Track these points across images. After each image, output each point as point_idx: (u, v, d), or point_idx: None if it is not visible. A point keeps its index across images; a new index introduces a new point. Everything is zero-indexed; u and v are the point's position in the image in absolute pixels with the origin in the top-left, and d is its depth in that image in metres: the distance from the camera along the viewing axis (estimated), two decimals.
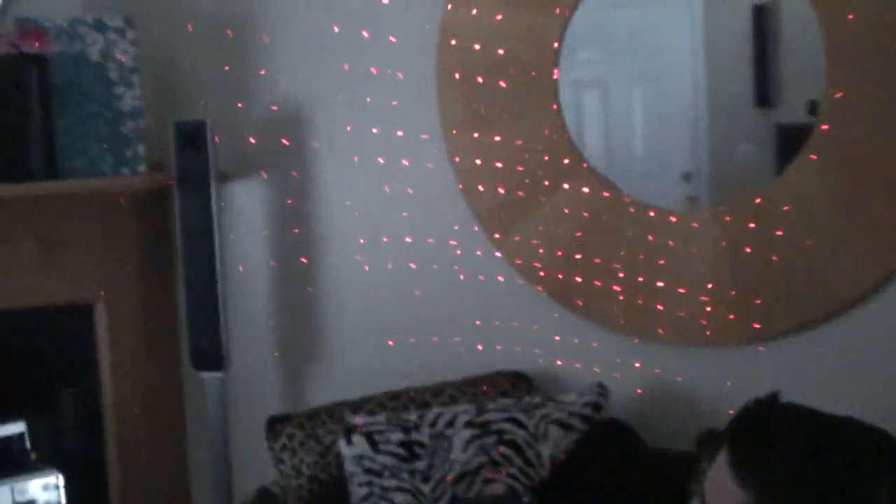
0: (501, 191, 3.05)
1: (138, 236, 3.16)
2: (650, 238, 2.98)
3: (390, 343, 3.20)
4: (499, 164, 3.04)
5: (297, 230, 3.23)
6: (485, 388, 3.02)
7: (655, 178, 3.13)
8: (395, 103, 3.12)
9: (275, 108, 3.20)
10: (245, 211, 3.25)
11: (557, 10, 2.98)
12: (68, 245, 3.05)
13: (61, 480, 2.86)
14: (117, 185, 3.06)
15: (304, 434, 2.94)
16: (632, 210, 3.01)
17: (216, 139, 3.03)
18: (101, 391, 3.14)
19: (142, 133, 3.09)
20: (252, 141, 3.22)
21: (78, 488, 3.08)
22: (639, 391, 3.03)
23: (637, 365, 3.05)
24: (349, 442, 2.82)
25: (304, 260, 3.25)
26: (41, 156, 2.96)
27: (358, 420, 2.87)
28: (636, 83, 3.13)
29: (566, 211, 3.03)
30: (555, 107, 3.00)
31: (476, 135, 3.05)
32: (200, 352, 3.09)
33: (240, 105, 3.20)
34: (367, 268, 3.20)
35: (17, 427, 2.89)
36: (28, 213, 3.00)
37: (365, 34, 3.11)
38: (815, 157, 2.87)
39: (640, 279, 3.00)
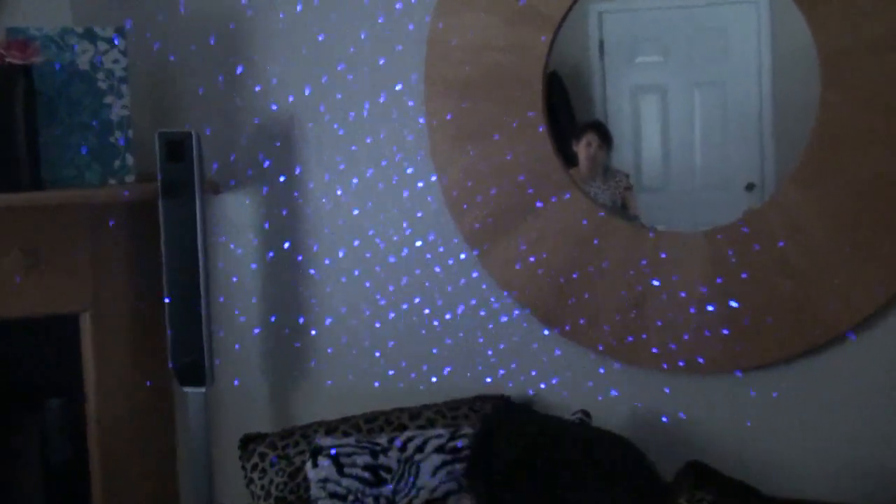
0: (487, 207, 3.04)
1: (126, 247, 3.20)
2: (643, 258, 2.95)
3: (378, 363, 3.21)
4: (485, 179, 3.03)
5: (286, 244, 3.25)
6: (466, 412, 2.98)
7: (716, 189, 3.06)
8: (384, 116, 3.13)
9: (266, 119, 3.22)
10: (235, 223, 3.28)
11: (547, 22, 2.94)
12: (54, 255, 3.10)
13: None
14: (104, 196, 3.10)
15: (276, 454, 2.95)
16: (623, 228, 2.97)
17: (205, 150, 3.06)
18: (86, 402, 3.17)
19: (130, 143, 3.13)
20: (243, 152, 3.25)
21: (61, 498, 3.18)
22: (623, 418, 2.99)
23: (623, 391, 3.02)
24: (315, 464, 2.83)
25: (293, 280, 3.26)
26: (27, 166, 3.00)
27: (325, 441, 2.87)
28: (697, 87, 3.07)
29: (554, 228, 3.00)
30: (543, 120, 2.97)
31: (462, 148, 3.04)
32: (183, 366, 3.10)
33: (231, 116, 3.23)
34: (355, 285, 3.21)
35: None
36: (14, 224, 3.05)
37: (354, 47, 3.12)
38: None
39: (631, 302, 2.95)
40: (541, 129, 2.98)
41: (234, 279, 3.29)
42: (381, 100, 3.12)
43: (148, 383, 3.26)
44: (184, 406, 3.23)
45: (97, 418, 3.19)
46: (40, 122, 3.06)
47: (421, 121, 3.09)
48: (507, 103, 2.99)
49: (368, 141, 3.15)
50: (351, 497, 2.79)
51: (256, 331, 3.31)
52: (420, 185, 3.12)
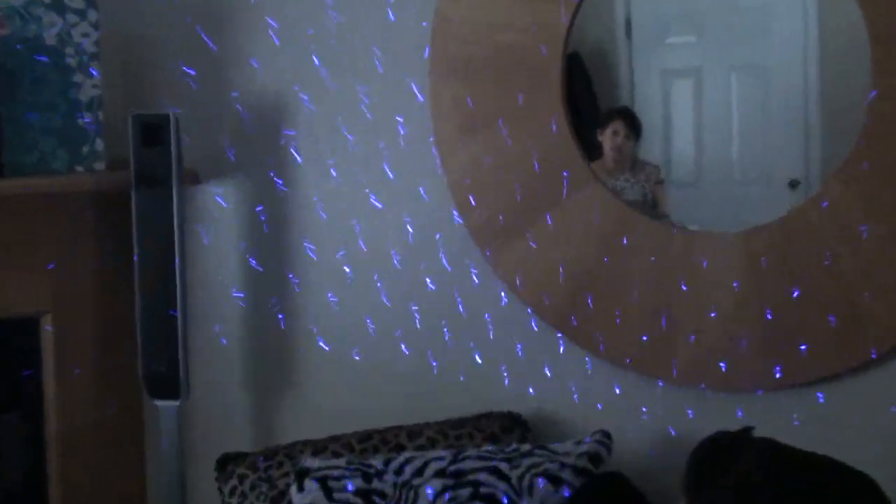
0: (498, 203, 2.87)
1: (94, 243, 3.06)
2: (672, 262, 2.77)
3: (373, 376, 3.04)
4: (495, 172, 2.86)
5: (273, 240, 3.10)
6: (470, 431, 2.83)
7: (755, 185, 2.89)
8: (382, 103, 2.97)
9: (252, 102, 3.07)
10: (215, 216, 3.12)
11: None
12: (13, 251, 2.96)
13: None
14: (71, 185, 2.97)
15: (257, 476, 2.77)
16: (651, 228, 2.80)
17: (185, 135, 2.89)
18: (45, 417, 3.02)
19: (101, 127, 2.97)
20: (227, 139, 3.09)
21: None
22: (647, 439, 2.82)
23: (648, 409, 2.85)
24: (300, 488, 2.63)
25: (281, 282, 3.11)
26: None
27: (313, 463, 2.69)
28: (735, 71, 2.89)
29: (572, 227, 2.82)
30: (561, 106, 2.79)
31: (472, 138, 2.88)
32: (155, 377, 2.94)
33: (214, 98, 3.07)
34: (349, 287, 3.05)
35: None
36: None
37: (349, 23, 2.97)
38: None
39: (659, 311, 2.78)
40: (559, 117, 2.80)
41: (214, 280, 3.13)
42: (380, 83, 2.95)
43: (115, 396, 3.09)
44: (155, 421, 3.07)
45: (57, 435, 3.03)
46: (0, 100, 2.89)
47: (424, 106, 2.92)
48: (522, 87, 2.82)
49: (365, 128, 2.99)
50: None
51: (237, 338, 3.15)
52: (422, 178, 2.95)
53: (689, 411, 2.83)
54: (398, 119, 2.97)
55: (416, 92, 2.94)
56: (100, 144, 2.99)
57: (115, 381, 3.11)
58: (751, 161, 2.91)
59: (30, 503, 3.05)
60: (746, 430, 2.02)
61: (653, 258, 2.80)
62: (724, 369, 2.76)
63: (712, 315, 2.75)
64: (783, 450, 1.96)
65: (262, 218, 3.11)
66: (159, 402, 2.97)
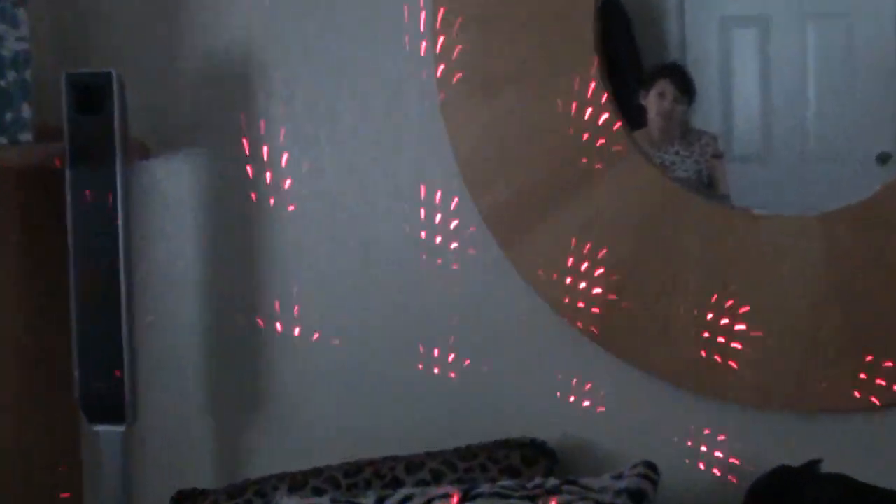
0: (518, 181, 2.59)
1: (18, 232, 2.78)
2: (733, 252, 2.49)
3: (364, 394, 2.76)
4: (515, 143, 2.59)
5: (240, 228, 2.81)
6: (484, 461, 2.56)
7: (836, 159, 2.65)
8: (376, 58, 2.69)
9: (215, 59, 2.79)
10: (169, 199, 2.83)
11: None
12: None
13: None
14: None
15: None
16: (707, 211, 2.51)
17: (130, 99, 2.61)
18: None
19: (29, 89, 2.66)
20: (183, 103, 2.81)
21: None
22: (701, 474, 2.54)
23: (703, 434, 2.56)
24: None
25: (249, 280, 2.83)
26: None
27: (290, 502, 2.43)
28: (811, 20, 2.65)
29: (610, 210, 2.55)
30: (595, 63, 2.48)
31: (485, 101, 2.59)
32: (94, 398, 2.63)
33: (168, 53, 2.80)
34: (334, 285, 2.76)
35: None
36: None
37: None
38: None
39: (711, 314, 2.50)
40: (593, 74, 2.49)
41: (167, 277, 2.85)
42: (374, 35, 2.67)
43: (44, 419, 2.79)
44: (95, 451, 2.77)
45: None
46: None
47: (429, 65, 2.63)
48: (547, 40, 2.54)
49: (354, 91, 2.71)
50: None
51: (197, 347, 2.86)
52: (425, 150, 2.67)
53: (751, 437, 2.56)
54: (397, 80, 2.70)
55: (420, 47, 2.65)
56: (26, 110, 2.67)
57: (45, 402, 2.81)
58: (830, 130, 2.68)
59: None
60: (813, 464, 1.98)
61: (708, 248, 2.52)
62: (795, 385, 2.50)
63: (782, 318, 2.48)
64: (859, 488, 1.92)
65: (226, 200, 2.83)
66: (100, 428, 2.67)
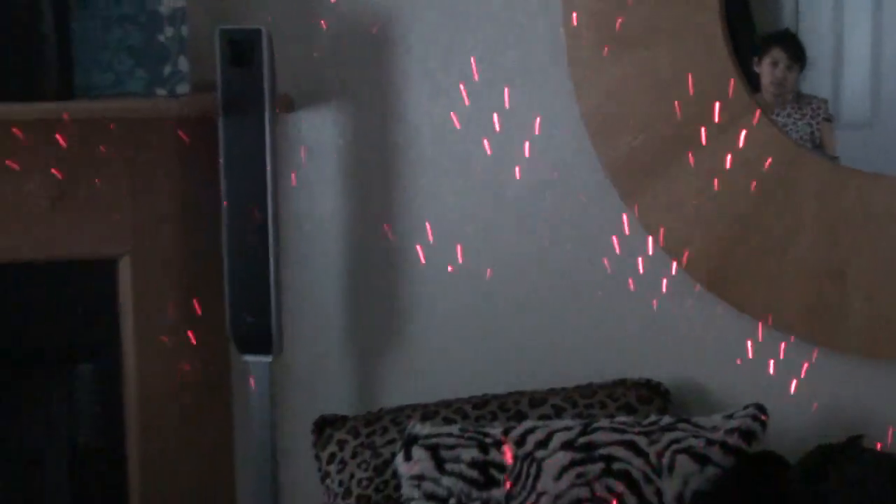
0: (641, 137, 2.68)
1: (176, 176, 2.90)
2: (847, 212, 2.58)
3: (491, 333, 2.90)
4: (639, 100, 2.69)
5: (380, 179, 2.93)
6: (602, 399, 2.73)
7: None
8: (507, 17, 2.79)
9: (356, 18, 2.88)
10: (314, 150, 2.95)
11: None
12: (87, 184, 2.80)
13: None
14: (151, 109, 2.81)
15: (359, 443, 2.69)
16: (825, 172, 2.60)
17: (279, 54, 2.75)
18: (124, 369, 2.90)
19: (185, 43, 2.81)
20: (327, 60, 2.91)
21: (90, 487, 2.92)
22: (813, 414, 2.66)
23: (813, 383, 2.67)
24: (408, 457, 2.57)
25: (386, 222, 2.95)
26: (54, 69, 2.73)
27: (422, 430, 2.61)
28: None
29: (729, 168, 2.63)
30: (720, 25, 2.58)
31: (611, 59, 2.68)
32: (244, 329, 2.82)
33: (313, 12, 2.88)
34: (463, 233, 2.88)
35: None
36: (36, 144, 2.74)
37: None
38: None
39: (827, 268, 2.60)
40: (717, 36, 2.59)
41: (311, 220, 2.98)
42: None
43: (200, 348, 2.94)
44: (244, 379, 2.94)
45: (137, 389, 2.92)
46: (72, 13, 2.76)
47: (557, 23, 2.73)
48: (675, 2, 2.62)
49: (486, 49, 2.80)
50: (453, 500, 2.54)
51: (338, 287, 3.01)
52: (553, 106, 2.77)
53: (859, 385, 2.68)
54: (526, 39, 2.80)
55: (548, 7, 2.75)
56: (183, 64, 2.83)
57: (200, 332, 2.95)
58: None
59: (106, 462, 2.95)
60: (854, 440, 2.08)
61: (823, 207, 2.61)
62: None
63: (891, 273, 2.57)
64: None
65: (366, 152, 2.96)
66: (249, 358, 2.86)
